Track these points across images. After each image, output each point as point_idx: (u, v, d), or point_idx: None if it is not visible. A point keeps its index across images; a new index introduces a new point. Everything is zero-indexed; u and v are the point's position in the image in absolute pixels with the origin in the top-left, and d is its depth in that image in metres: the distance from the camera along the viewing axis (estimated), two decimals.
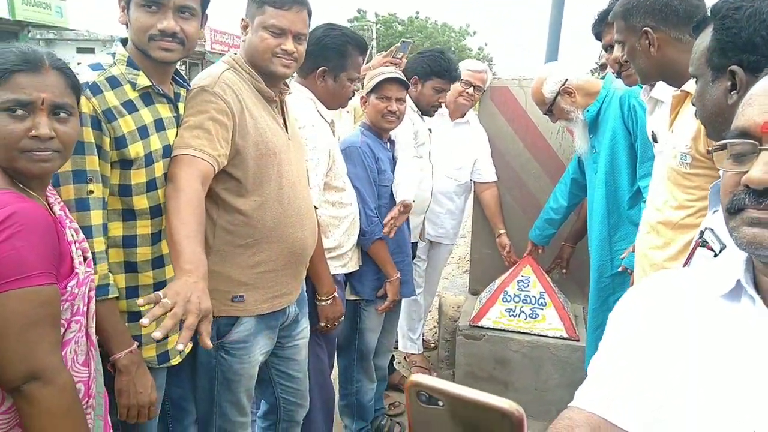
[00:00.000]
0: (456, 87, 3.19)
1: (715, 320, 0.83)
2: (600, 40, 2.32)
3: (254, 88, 1.87)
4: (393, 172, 2.63)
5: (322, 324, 2.26)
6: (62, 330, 1.24)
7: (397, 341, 3.46)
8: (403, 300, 3.10)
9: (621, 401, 0.85)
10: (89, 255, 1.38)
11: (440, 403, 0.45)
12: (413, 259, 3.08)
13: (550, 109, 2.78)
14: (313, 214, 2.07)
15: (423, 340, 3.67)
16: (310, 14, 1.93)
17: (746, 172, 0.75)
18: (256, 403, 2.23)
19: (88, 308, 1.34)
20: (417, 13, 35.84)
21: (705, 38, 1.30)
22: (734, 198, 0.77)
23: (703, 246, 1.23)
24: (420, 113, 3.00)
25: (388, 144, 2.69)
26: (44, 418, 1.14)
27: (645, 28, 1.78)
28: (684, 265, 1.36)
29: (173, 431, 1.92)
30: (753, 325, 0.79)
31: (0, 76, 1.16)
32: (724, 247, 1.16)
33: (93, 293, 1.38)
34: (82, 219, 1.48)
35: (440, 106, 3.04)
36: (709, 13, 1.30)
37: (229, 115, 1.74)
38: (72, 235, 1.30)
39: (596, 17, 2.29)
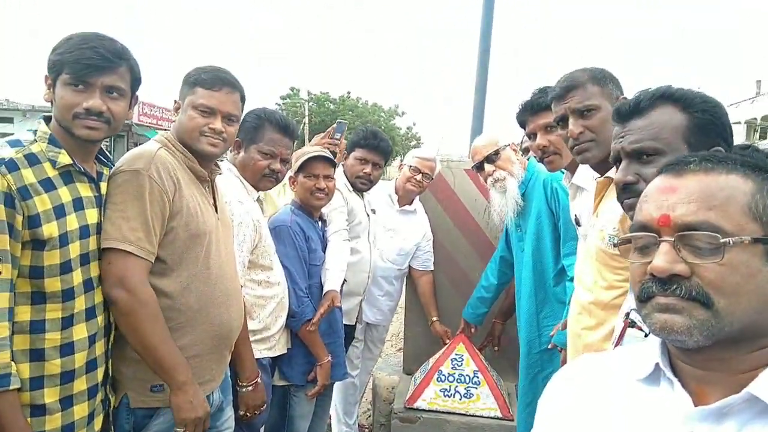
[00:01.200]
0: (405, 173, 3.29)
1: (636, 405, 0.85)
2: (524, 128, 2.44)
3: (187, 167, 1.85)
4: (324, 251, 2.60)
5: (242, 412, 2.14)
6: None
7: (330, 427, 3.31)
8: (338, 383, 2.99)
9: None
10: None
11: None
12: (351, 342, 3.01)
13: (497, 152, 2.78)
14: (240, 296, 2.01)
15: (358, 425, 3.52)
16: (243, 98, 1.95)
17: (650, 262, 0.81)
18: None
19: None
20: (348, 92, 37.14)
21: (667, 117, 1.32)
22: (643, 287, 0.82)
23: (632, 326, 1.26)
24: (351, 189, 3.03)
25: (320, 223, 2.68)
26: None
27: (622, 96, 1.83)
28: (615, 346, 1.39)
29: None
30: (671, 409, 0.81)
31: None
32: None
33: None
34: None
35: (369, 180, 3.04)
36: (656, 96, 1.34)
37: (165, 200, 1.70)
38: None
39: (521, 107, 2.42)
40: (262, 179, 2.31)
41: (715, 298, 0.76)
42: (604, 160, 1.85)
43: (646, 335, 1.21)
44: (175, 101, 1.93)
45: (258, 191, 2.36)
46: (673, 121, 1.32)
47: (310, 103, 34.00)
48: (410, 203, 3.41)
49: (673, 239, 0.79)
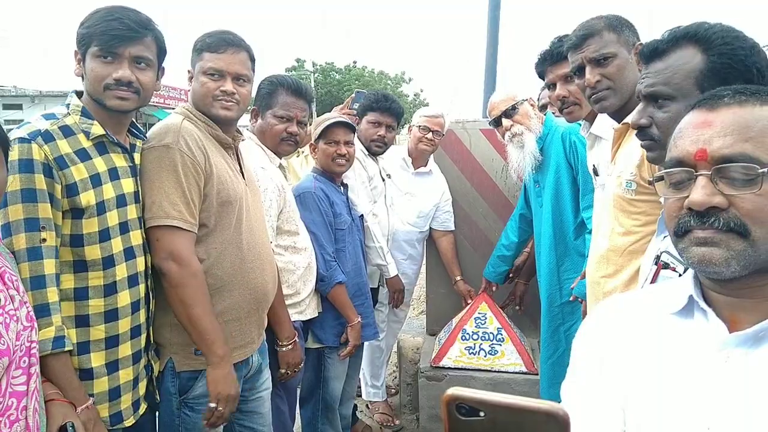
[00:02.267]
0: (415, 134, 3.29)
1: (671, 336, 0.88)
2: (543, 79, 2.42)
3: (211, 135, 1.87)
4: (348, 214, 2.64)
5: (283, 371, 2.21)
6: None
7: (359, 389, 3.40)
8: (365, 346, 3.07)
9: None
10: (32, 323, 1.30)
11: (481, 414, 0.43)
12: (375, 305, 3.07)
13: (515, 107, 2.75)
14: (272, 260, 2.06)
15: (385, 386, 3.62)
16: (252, 58, 1.95)
17: (686, 197, 0.83)
18: None
19: (29, 387, 1.25)
20: (354, 62, 36.69)
21: (686, 59, 1.27)
22: (680, 222, 0.84)
23: (666, 268, 1.29)
24: (369, 155, 3.05)
25: (342, 188, 2.71)
26: None
27: (638, 43, 1.83)
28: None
29: None
30: (706, 337, 0.84)
31: None
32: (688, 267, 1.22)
33: (35, 369, 1.29)
34: (35, 269, 1.43)
35: (383, 143, 3.07)
36: (681, 36, 1.29)
37: (198, 170, 1.74)
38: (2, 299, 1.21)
39: (539, 57, 2.40)
40: (281, 143, 2.34)
41: (752, 228, 0.78)
42: (622, 108, 1.85)
43: (680, 275, 1.23)
44: (188, 71, 1.93)
45: (279, 156, 2.40)
46: (689, 64, 1.26)
47: (316, 74, 33.71)
48: (425, 164, 3.41)
49: (710, 173, 0.81)
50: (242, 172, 1.98)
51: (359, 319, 2.58)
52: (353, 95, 3.26)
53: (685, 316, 0.89)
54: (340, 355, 2.58)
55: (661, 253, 1.32)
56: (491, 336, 3.18)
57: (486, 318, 3.20)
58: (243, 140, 2.08)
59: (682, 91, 1.27)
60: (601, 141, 2.19)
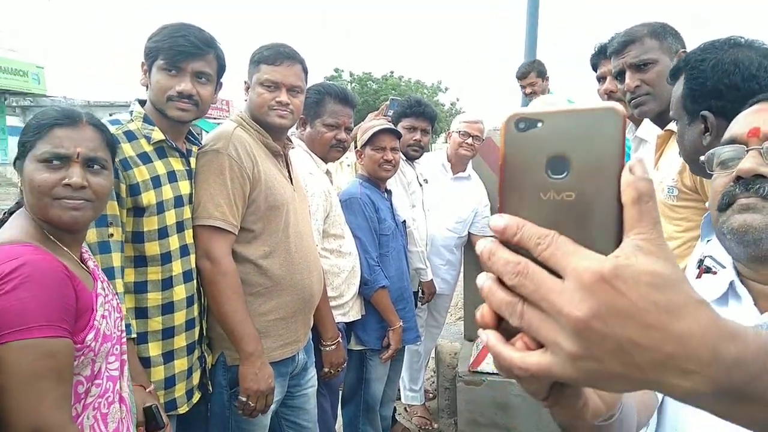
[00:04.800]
0: (455, 140, 3.33)
1: None
2: (596, 71, 2.48)
3: (261, 143, 1.96)
4: (393, 220, 2.70)
5: (326, 369, 2.27)
6: (82, 389, 1.22)
7: (398, 393, 3.44)
8: (405, 350, 3.10)
9: None
10: (121, 314, 1.39)
11: (539, 125, 0.43)
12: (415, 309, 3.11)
13: None
14: (318, 262, 2.13)
15: (423, 390, 3.65)
16: (305, 70, 2.04)
17: (733, 172, 0.87)
18: None
19: (121, 372, 1.33)
20: (391, 72, 36.87)
21: (679, 86, 1.44)
22: (725, 194, 0.87)
23: (708, 272, 1.30)
24: (406, 160, 3.11)
25: (386, 193, 2.77)
26: None
27: (682, 50, 1.87)
28: None
29: None
30: (741, 321, 0.87)
31: (41, 130, 1.22)
32: None
33: (125, 356, 1.38)
34: (105, 261, 1.53)
35: (419, 146, 3.13)
36: (681, 64, 1.45)
37: (244, 175, 1.83)
38: (103, 289, 1.31)
39: (595, 49, 2.45)
40: (330, 150, 2.42)
41: None
42: (664, 114, 1.88)
43: None
44: (245, 82, 2.04)
45: (326, 162, 2.48)
46: (677, 91, 1.45)
47: (353, 84, 34.02)
48: (464, 170, 3.44)
49: (761, 147, 0.85)
50: (291, 178, 2.07)
51: (401, 323, 2.63)
52: (388, 102, 3.33)
53: (722, 304, 0.91)
54: (381, 357, 2.63)
55: (705, 257, 1.34)
56: None
57: None
58: (293, 148, 2.17)
59: (677, 113, 1.47)
60: (645, 144, 2.21)
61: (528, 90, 4.40)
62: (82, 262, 1.31)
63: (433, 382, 4.05)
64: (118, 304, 1.39)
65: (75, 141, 1.24)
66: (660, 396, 0.92)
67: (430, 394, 3.89)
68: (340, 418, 2.73)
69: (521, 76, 4.43)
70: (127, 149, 1.63)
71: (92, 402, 1.24)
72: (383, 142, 2.62)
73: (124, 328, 1.39)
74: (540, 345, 0.41)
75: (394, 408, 3.27)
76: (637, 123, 2.23)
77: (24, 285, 1.09)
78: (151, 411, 1.50)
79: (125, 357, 1.37)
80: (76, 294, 1.18)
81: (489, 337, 0.44)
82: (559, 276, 0.40)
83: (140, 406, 1.47)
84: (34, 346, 1.09)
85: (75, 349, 1.17)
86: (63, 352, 1.13)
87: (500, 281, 0.42)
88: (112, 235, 1.56)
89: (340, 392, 2.67)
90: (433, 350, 3.97)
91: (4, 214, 1.30)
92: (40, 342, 1.09)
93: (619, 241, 0.41)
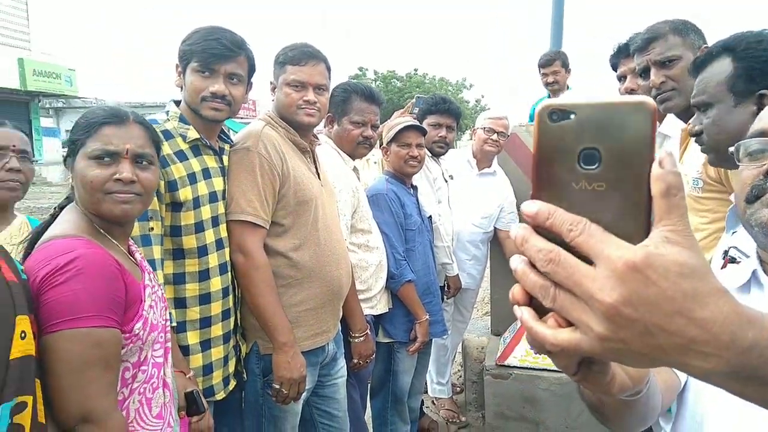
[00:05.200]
0: (480, 136, 3.35)
1: None
2: (615, 70, 2.48)
3: (289, 140, 2.03)
4: (419, 215, 2.75)
5: (355, 360, 2.33)
6: (128, 375, 1.28)
7: (426, 386, 3.48)
8: (432, 344, 3.14)
9: None
10: (166, 303, 1.46)
11: (572, 116, 0.45)
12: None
13: None
14: (347, 256, 2.19)
15: (450, 384, 3.69)
16: (328, 68, 2.11)
17: (763, 165, 0.88)
18: None
19: (165, 359, 1.40)
20: (415, 70, 36.83)
21: (720, 69, 1.45)
22: (754, 186, 0.89)
23: (733, 262, 1.32)
24: (431, 156, 3.15)
25: (412, 189, 2.81)
26: None
27: (704, 46, 1.90)
28: None
29: None
30: (761, 308, 0.89)
31: (90, 128, 1.30)
32: None
33: (169, 344, 1.45)
34: (147, 253, 1.60)
35: (445, 143, 3.16)
36: (719, 49, 1.46)
37: (274, 172, 1.89)
38: (150, 280, 1.38)
39: (615, 49, 2.46)
40: (357, 147, 2.48)
41: None
42: (689, 109, 1.89)
43: None
44: (271, 82, 2.11)
45: (354, 159, 2.53)
46: (721, 74, 1.45)
47: (377, 82, 34.09)
48: (489, 165, 3.46)
49: None
50: (318, 174, 2.13)
51: (427, 317, 2.67)
52: (413, 100, 3.37)
53: (744, 291, 0.94)
54: (408, 350, 2.68)
55: (729, 248, 1.36)
56: None
57: None
58: (319, 144, 2.24)
59: (716, 97, 1.46)
60: (669, 140, 2.21)
61: (550, 79, 4.37)
62: (130, 255, 1.38)
63: (460, 377, 4.09)
64: (162, 294, 1.46)
65: (124, 138, 1.31)
66: (683, 381, 0.95)
67: (458, 388, 3.92)
68: (368, 410, 2.78)
69: (546, 63, 4.39)
70: (165, 147, 1.71)
71: (138, 387, 1.31)
72: (409, 139, 2.67)
73: (168, 317, 1.46)
74: (570, 323, 0.45)
75: (422, 401, 3.32)
76: (660, 119, 2.24)
77: (77, 277, 1.15)
78: (193, 396, 1.57)
79: (169, 344, 1.44)
80: (125, 286, 1.24)
81: (523, 313, 0.47)
82: (588, 261, 0.43)
83: (182, 391, 1.55)
84: (85, 335, 1.14)
85: (123, 338, 1.23)
86: (111, 341, 1.19)
87: (533, 264, 0.45)
88: (152, 228, 1.64)
89: (369, 384, 2.73)
90: (460, 345, 4.00)
91: (55, 209, 1.38)
92: (90, 331, 1.15)
93: (647, 231, 0.43)
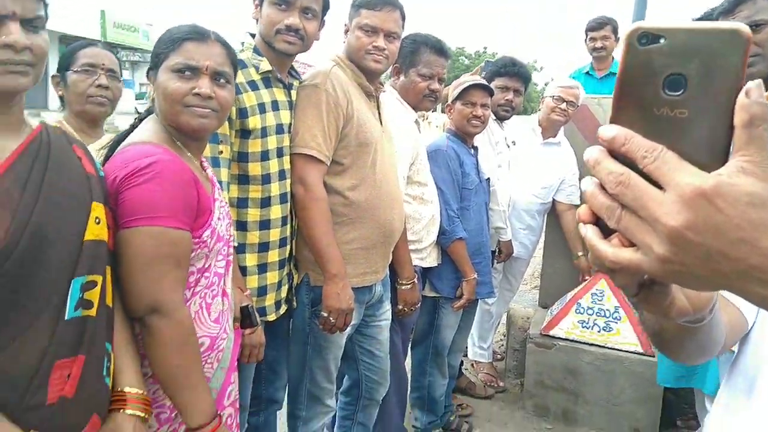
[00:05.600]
0: (548, 104, 3.28)
1: None
2: None
3: (356, 83, 2.06)
4: (477, 176, 2.74)
5: (400, 307, 2.37)
6: (192, 279, 1.36)
7: (466, 349, 3.51)
8: (477, 308, 3.15)
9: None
10: (230, 220, 1.53)
11: (661, 40, 0.44)
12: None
13: None
14: (401, 202, 2.22)
15: (492, 351, 3.70)
16: (403, 16, 2.11)
17: None
18: (339, 379, 2.34)
19: (226, 271, 1.48)
20: (485, 48, 36.11)
21: None
22: None
23: None
24: (495, 120, 3.11)
25: (473, 149, 2.80)
26: (161, 347, 1.24)
27: None
28: None
29: (264, 392, 2.06)
30: None
31: (173, 43, 1.36)
32: None
33: (231, 257, 1.52)
34: (216, 174, 1.67)
35: (511, 107, 3.13)
36: None
37: (339, 111, 1.94)
38: (219, 194, 1.46)
39: (703, 15, 2.36)
40: (423, 100, 2.48)
41: None
42: None
43: None
44: (345, 24, 2.13)
45: (417, 112, 2.54)
46: None
47: None
48: (554, 135, 3.37)
49: None
50: (381, 121, 2.15)
51: (475, 276, 2.67)
52: (482, 65, 3.32)
53: None
54: (454, 306, 2.70)
55: None
56: (607, 313, 3.14)
57: (603, 295, 3.17)
58: (384, 91, 2.26)
59: None
60: None
61: (599, 44, 4.18)
62: (203, 168, 1.46)
63: (502, 345, 4.09)
64: (228, 211, 1.54)
65: (204, 55, 1.37)
66: (750, 323, 0.93)
67: (498, 356, 3.93)
68: (409, 359, 2.84)
69: (596, 26, 4.19)
70: (239, 76, 1.76)
71: (200, 291, 1.39)
72: (474, 98, 2.64)
73: (233, 233, 1.53)
74: (633, 244, 0.45)
75: (462, 361, 3.35)
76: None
77: (155, 179, 1.23)
78: (247, 310, 1.66)
79: (230, 258, 1.52)
80: (198, 195, 1.32)
81: (587, 231, 0.48)
82: (659, 188, 0.43)
83: (238, 304, 1.63)
84: (159, 233, 1.23)
85: (192, 243, 1.31)
86: (182, 242, 1.27)
87: (602, 187, 0.46)
88: (221, 152, 1.72)
89: (412, 335, 2.77)
90: (505, 315, 4.00)
91: (136, 119, 1.47)
92: (164, 230, 1.23)
93: (723, 161, 0.43)
